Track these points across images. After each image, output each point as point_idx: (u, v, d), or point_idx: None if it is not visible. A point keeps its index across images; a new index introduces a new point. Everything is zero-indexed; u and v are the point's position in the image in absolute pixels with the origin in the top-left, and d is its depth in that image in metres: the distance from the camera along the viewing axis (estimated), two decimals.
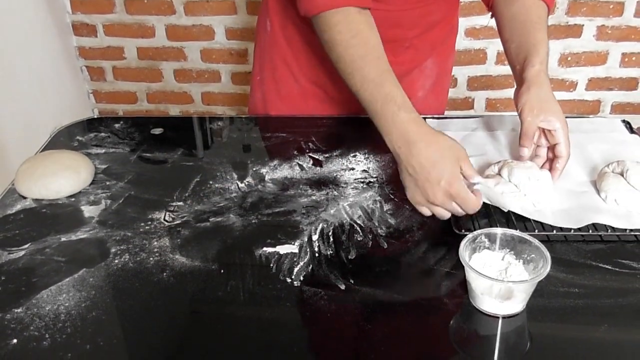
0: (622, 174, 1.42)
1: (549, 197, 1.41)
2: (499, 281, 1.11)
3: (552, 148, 1.49)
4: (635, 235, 1.33)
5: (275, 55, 1.90)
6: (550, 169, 1.48)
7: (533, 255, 1.16)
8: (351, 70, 1.48)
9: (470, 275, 1.13)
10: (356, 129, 1.74)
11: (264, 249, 1.31)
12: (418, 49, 1.84)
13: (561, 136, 1.45)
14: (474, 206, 1.34)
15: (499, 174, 1.45)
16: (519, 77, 1.53)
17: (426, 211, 1.37)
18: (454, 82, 3.43)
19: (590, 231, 1.33)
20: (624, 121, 1.78)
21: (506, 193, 1.39)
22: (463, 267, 1.12)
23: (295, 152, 1.68)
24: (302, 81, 1.90)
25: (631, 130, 1.74)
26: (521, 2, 1.62)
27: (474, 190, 1.34)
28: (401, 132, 1.39)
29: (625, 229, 1.33)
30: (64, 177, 1.48)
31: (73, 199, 1.48)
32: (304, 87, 1.91)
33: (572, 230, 1.33)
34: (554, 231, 1.33)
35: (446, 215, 1.36)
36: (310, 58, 1.85)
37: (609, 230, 1.33)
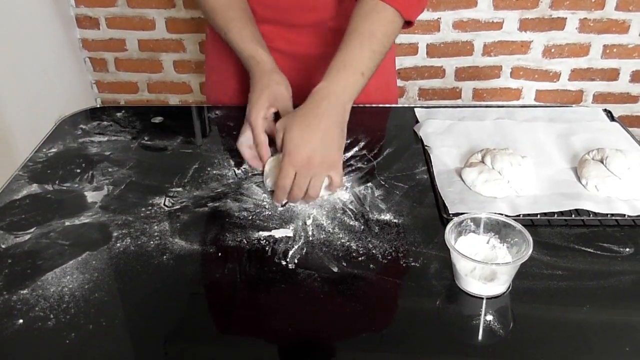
0: (602, 161, 1.43)
1: (531, 183, 1.41)
2: (483, 263, 1.11)
3: None
4: (616, 220, 1.33)
5: (217, 54, 1.97)
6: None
7: (517, 239, 1.16)
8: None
9: (456, 258, 1.14)
10: (349, 118, 1.74)
11: (260, 232, 1.31)
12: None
13: (280, 175, 1.34)
14: (260, 141, 1.45)
15: (482, 161, 1.46)
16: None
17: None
18: (442, 73, 3.43)
19: (573, 216, 1.33)
20: (605, 110, 1.78)
21: (490, 181, 1.39)
22: (449, 249, 1.13)
23: None
24: (239, 76, 1.89)
25: (612, 118, 1.74)
26: (362, 4, 1.52)
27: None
28: (247, 66, 1.59)
29: (607, 214, 1.33)
30: None
31: (77, 185, 1.48)
32: (240, 82, 1.90)
33: (556, 215, 1.33)
34: (538, 216, 1.34)
35: (240, 137, 1.51)
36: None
37: (591, 215, 1.33)
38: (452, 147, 1.59)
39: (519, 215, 1.33)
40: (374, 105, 1.88)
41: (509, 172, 1.40)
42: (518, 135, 1.64)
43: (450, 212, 1.34)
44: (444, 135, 1.64)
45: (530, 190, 1.41)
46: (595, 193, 1.40)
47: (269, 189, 1.44)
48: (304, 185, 1.33)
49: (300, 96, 1.48)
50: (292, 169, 1.32)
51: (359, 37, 1.47)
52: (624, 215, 1.33)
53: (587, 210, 1.34)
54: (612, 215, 1.34)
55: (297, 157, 1.32)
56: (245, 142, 1.50)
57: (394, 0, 1.48)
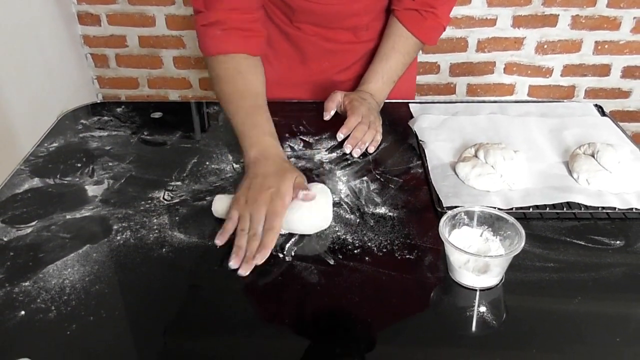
0: (593, 155, 1.42)
1: (523, 177, 1.41)
2: (476, 256, 1.11)
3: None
4: (607, 213, 1.33)
5: None
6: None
7: (509, 232, 1.16)
8: (230, 99, 1.54)
9: (449, 250, 1.14)
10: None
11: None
12: (379, 30, 1.87)
13: (351, 118, 1.65)
14: (280, 208, 1.28)
15: (475, 155, 1.45)
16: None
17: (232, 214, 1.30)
18: (436, 69, 3.43)
19: (565, 209, 1.33)
20: (596, 105, 1.78)
21: (483, 175, 1.39)
22: (443, 242, 1.13)
23: (286, 135, 1.67)
24: (275, 65, 1.91)
25: (603, 113, 1.74)
26: (393, 29, 1.82)
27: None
28: (261, 150, 1.41)
29: (598, 207, 1.33)
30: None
31: (78, 179, 1.48)
32: (277, 71, 1.90)
33: (548, 208, 1.33)
34: (531, 209, 1.34)
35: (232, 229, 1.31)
36: (282, 43, 1.88)
37: (582, 208, 1.33)
38: (446, 141, 1.59)
39: (511, 209, 1.33)
40: None
41: (501, 166, 1.39)
42: (511, 130, 1.63)
43: (444, 206, 1.34)
44: (438, 130, 1.64)
45: (523, 184, 1.40)
46: (587, 187, 1.39)
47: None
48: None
49: (331, 86, 1.84)
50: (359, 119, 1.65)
51: (395, 53, 1.81)
52: (615, 208, 1.33)
53: (579, 204, 1.34)
54: (603, 208, 1.33)
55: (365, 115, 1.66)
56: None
57: (418, 32, 1.79)
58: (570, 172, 1.45)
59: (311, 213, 1.29)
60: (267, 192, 1.29)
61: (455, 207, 1.25)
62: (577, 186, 1.41)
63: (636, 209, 1.33)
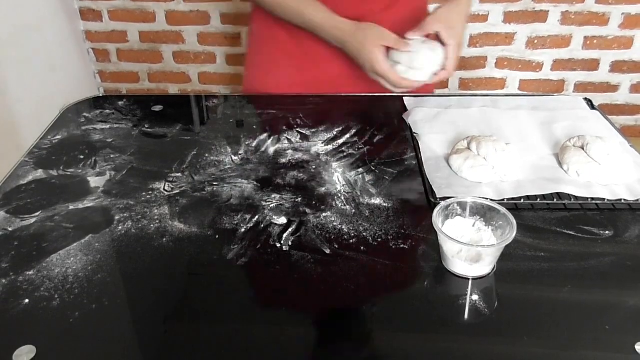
0: (582, 148, 1.43)
1: (515, 168, 1.41)
2: (469, 246, 1.11)
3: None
4: (597, 204, 1.33)
5: (262, 45, 1.96)
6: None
7: (501, 222, 1.16)
8: (284, 11, 1.73)
9: (443, 240, 1.14)
10: (341, 106, 1.74)
11: (256, 216, 1.31)
12: (388, 25, 1.75)
13: (451, 52, 1.61)
14: (394, 81, 1.61)
15: (468, 147, 1.45)
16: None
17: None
18: None
19: (555, 200, 1.33)
20: (585, 99, 1.78)
21: (475, 167, 1.39)
22: (436, 232, 1.13)
23: (284, 128, 1.67)
24: (284, 65, 1.91)
25: (592, 107, 1.74)
26: None
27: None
28: (333, 39, 1.68)
29: (587, 198, 1.33)
30: None
31: (80, 171, 1.48)
32: (287, 71, 1.91)
33: (538, 199, 1.33)
34: (522, 200, 1.34)
35: (390, 88, 1.66)
36: (290, 44, 1.87)
37: (572, 199, 1.33)
38: (439, 134, 1.59)
39: (503, 200, 1.33)
40: (364, 95, 1.87)
41: (493, 158, 1.39)
42: (502, 123, 1.63)
43: (437, 197, 1.34)
44: (431, 123, 1.64)
45: (515, 175, 1.40)
46: (576, 178, 1.40)
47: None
48: None
49: (339, 86, 1.86)
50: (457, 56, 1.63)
51: None
52: (604, 199, 1.33)
53: (569, 195, 1.34)
54: (593, 199, 1.34)
55: (461, 47, 1.63)
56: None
57: None
58: (560, 164, 1.45)
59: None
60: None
61: (449, 198, 1.25)
62: (567, 177, 1.41)
63: (625, 200, 1.33)
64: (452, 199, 1.21)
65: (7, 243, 1.24)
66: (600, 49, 3.39)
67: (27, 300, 1.09)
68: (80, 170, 1.48)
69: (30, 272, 1.16)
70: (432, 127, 1.63)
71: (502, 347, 1.03)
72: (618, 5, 3.24)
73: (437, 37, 1.62)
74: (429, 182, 1.40)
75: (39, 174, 1.47)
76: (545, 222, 1.29)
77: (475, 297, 1.10)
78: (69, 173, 1.47)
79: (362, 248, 1.22)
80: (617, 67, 3.45)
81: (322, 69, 1.87)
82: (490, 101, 1.77)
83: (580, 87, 3.53)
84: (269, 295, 1.14)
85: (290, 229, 1.27)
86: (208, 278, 1.17)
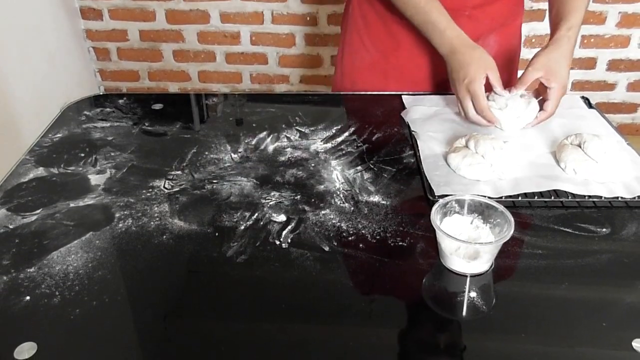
0: (580, 146, 1.43)
1: (512, 166, 1.41)
2: (467, 243, 1.11)
3: (542, 102, 1.59)
4: (594, 201, 1.33)
5: (353, 31, 1.97)
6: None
7: (499, 220, 1.16)
8: (407, 6, 1.72)
9: (441, 237, 1.14)
10: (339, 105, 1.74)
11: (255, 213, 1.31)
12: (478, 21, 1.83)
13: (552, 95, 1.58)
14: (482, 106, 1.56)
15: (466, 145, 1.45)
16: (549, 40, 1.66)
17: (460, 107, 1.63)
18: None
19: (552, 198, 1.33)
20: (583, 97, 1.78)
21: (473, 164, 1.39)
22: (435, 230, 1.13)
23: (283, 126, 1.67)
24: (372, 51, 1.93)
25: (589, 105, 1.74)
26: None
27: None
28: (447, 44, 1.65)
29: (584, 196, 1.33)
30: None
31: (81, 169, 1.48)
32: (373, 57, 1.93)
33: (536, 197, 1.33)
34: (519, 197, 1.34)
35: (468, 111, 1.60)
36: (379, 30, 1.88)
37: (570, 197, 1.34)
38: (437, 132, 1.59)
39: (501, 197, 1.33)
40: (363, 93, 1.88)
41: (491, 155, 1.40)
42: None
43: (435, 194, 1.34)
44: (430, 121, 1.64)
45: (512, 173, 1.40)
46: (574, 176, 1.40)
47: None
48: None
49: (417, 75, 1.89)
50: (559, 98, 1.60)
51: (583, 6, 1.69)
52: (601, 197, 1.34)
53: (566, 192, 1.34)
54: (590, 196, 1.34)
55: (564, 89, 1.60)
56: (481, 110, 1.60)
57: None
58: (557, 162, 1.45)
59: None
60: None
61: (447, 195, 1.25)
62: (564, 175, 1.41)
63: (621, 197, 1.33)
64: (450, 197, 1.21)
65: (8, 240, 1.24)
66: (597, 47, 3.39)
67: (28, 297, 1.09)
68: (80, 168, 1.48)
69: (31, 269, 1.16)
70: (430, 125, 1.63)
71: (499, 343, 1.03)
72: (615, 4, 3.24)
73: (541, 84, 1.63)
74: (427, 180, 1.40)
75: (40, 171, 1.47)
76: (543, 220, 1.29)
77: (473, 294, 1.10)
78: (69, 171, 1.47)
79: (361, 245, 1.22)
80: (614, 65, 3.45)
81: (403, 57, 1.91)
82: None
83: (577, 86, 3.53)
84: (268, 292, 1.14)
85: (289, 227, 1.27)
86: (208, 275, 1.17)
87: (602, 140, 1.41)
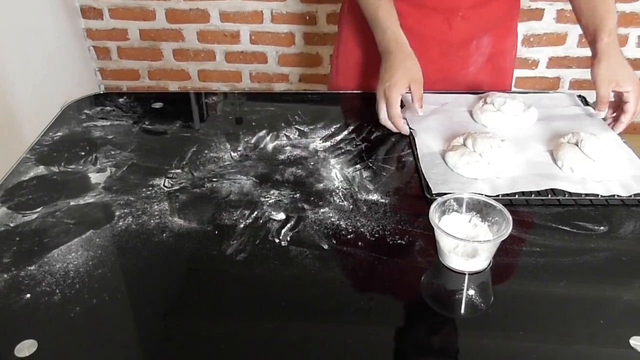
0: (577, 144, 1.43)
1: (510, 164, 1.41)
2: (465, 241, 1.11)
3: (621, 105, 1.60)
4: (591, 200, 1.33)
5: (347, 30, 1.98)
6: (615, 122, 1.62)
7: (497, 218, 1.16)
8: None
9: (439, 236, 1.14)
10: (338, 104, 1.74)
11: (255, 212, 1.31)
12: (472, 22, 1.82)
13: (631, 96, 1.58)
14: (393, 113, 1.58)
15: (464, 144, 1.45)
16: (592, 49, 1.68)
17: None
18: None
19: (550, 196, 1.33)
20: (579, 96, 1.78)
21: (471, 163, 1.39)
22: (433, 228, 1.13)
23: (282, 124, 1.67)
24: (366, 50, 1.93)
25: (586, 103, 1.74)
26: None
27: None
28: (385, 44, 1.67)
29: (581, 194, 1.33)
30: None
31: (81, 167, 1.48)
32: (367, 56, 1.94)
33: (533, 195, 1.34)
34: (517, 196, 1.34)
35: (380, 114, 1.63)
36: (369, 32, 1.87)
37: (567, 195, 1.34)
38: (435, 130, 1.59)
39: (498, 196, 1.33)
40: (361, 92, 1.88)
41: (489, 154, 1.40)
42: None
43: (433, 192, 1.34)
44: (428, 120, 1.64)
45: (510, 171, 1.41)
46: (571, 174, 1.40)
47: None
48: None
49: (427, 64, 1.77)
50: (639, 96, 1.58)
51: (614, 8, 1.73)
52: (598, 195, 1.34)
53: (563, 191, 1.34)
54: (587, 195, 1.34)
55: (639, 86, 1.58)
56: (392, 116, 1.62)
57: None
58: (555, 161, 1.45)
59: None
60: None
61: (444, 194, 1.25)
62: (561, 174, 1.41)
63: (618, 195, 1.33)
64: (449, 195, 1.20)
65: (9, 238, 1.24)
66: None
67: (28, 295, 1.09)
68: (81, 167, 1.48)
69: (32, 267, 1.16)
70: (428, 123, 1.63)
71: (498, 341, 1.03)
72: None
73: (618, 95, 1.63)
74: (424, 178, 1.40)
75: (40, 170, 1.47)
76: (541, 218, 1.29)
77: (471, 292, 1.10)
78: (70, 169, 1.47)
79: (360, 243, 1.22)
80: None
81: None
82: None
83: (575, 85, 3.53)
84: (267, 290, 1.14)
85: (288, 225, 1.27)
86: (207, 273, 1.17)
87: (599, 139, 1.42)
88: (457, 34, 1.83)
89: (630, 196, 1.34)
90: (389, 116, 1.60)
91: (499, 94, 1.67)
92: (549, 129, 1.60)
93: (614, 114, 1.63)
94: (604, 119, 1.63)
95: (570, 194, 1.34)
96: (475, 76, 1.93)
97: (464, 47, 1.87)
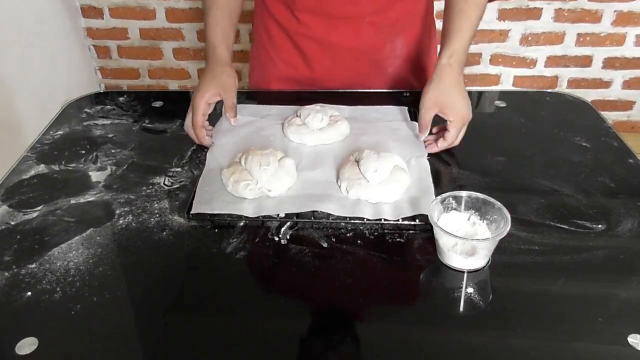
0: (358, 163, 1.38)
1: (282, 183, 1.35)
2: (464, 239, 1.11)
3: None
4: (354, 223, 1.29)
5: (260, 47, 1.96)
6: (433, 142, 1.53)
7: (496, 216, 1.16)
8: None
9: (438, 234, 1.14)
10: (338, 102, 1.73)
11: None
12: (379, 27, 1.77)
13: (452, 127, 1.48)
14: (195, 121, 1.54)
15: (239, 161, 1.40)
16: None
17: None
18: None
19: (312, 218, 1.29)
20: (409, 109, 1.70)
21: (240, 182, 1.34)
22: (432, 226, 1.13)
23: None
24: (280, 65, 1.90)
25: (413, 118, 1.65)
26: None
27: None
28: (209, 59, 1.67)
29: (346, 217, 1.28)
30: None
31: (82, 166, 1.48)
32: (281, 70, 1.91)
33: (313, 218, 1.29)
34: (278, 217, 1.29)
35: (186, 120, 1.58)
36: (284, 43, 1.86)
37: (330, 218, 1.29)
38: (233, 145, 1.54)
39: (258, 217, 1.29)
40: (358, 91, 1.87)
41: (257, 172, 1.34)
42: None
43: (190, 212, 1.30)
44: (232, 133, 1.61)
45: (281, 191, 1.35)
46: (345, 195, 1.34)
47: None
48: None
49: (331, 83, 1.81)
50: (460, 128, 1.50)
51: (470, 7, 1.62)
52: (364, 219, 1.28)
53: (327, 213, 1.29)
54: (351, 218, 1.28)
55: (465, 117, 1.49)
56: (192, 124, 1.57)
57: None
58: (337, 180, 1.39)
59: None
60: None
61: (204, 214, 1.28)
62: (336, 194, 1.34)
63: (385, 219, 1.27)
64: (448, 193, 1.21)
65: (10, 237, 1.24)
66: (593, 45, 3.39)
67: (29, 293, 1.09)
68: (81, 165, 1.48)
69: (33, 265, 1.16)
70: (229, 137, 1.58)
71: (496, 339, 1.03)
72: (610, 3, 3.24)
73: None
74: (192, 196, 1.35)
75: (41, 168, 1.47)
76: (539, 216, 1.29)
77: (470, 290, 1.10)
78: (70, 168, 1.47)
79: (359, 242, 1.22)
80: (610, 63, 3.44)
81: (313, 68, 1.86)
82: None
83: (573, 83, 3.52)
84: (267, 288, 1.14)
85: (288, 223, 1.27)
86: (207, 271, 1.17)
87: (379, 159, 1.36)
88: (367, 40, 1.78)
89: (397, 220, 1.27)
90: (192, 124, 1.55)
91: (311, 106, 1.60)
92: (354, 144, 1.52)
93: (438, 133, 1.56)
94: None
95: (335, 216, 1.28)
96: (396, 75, 1.89)
97: (377, 52, 1.83)
